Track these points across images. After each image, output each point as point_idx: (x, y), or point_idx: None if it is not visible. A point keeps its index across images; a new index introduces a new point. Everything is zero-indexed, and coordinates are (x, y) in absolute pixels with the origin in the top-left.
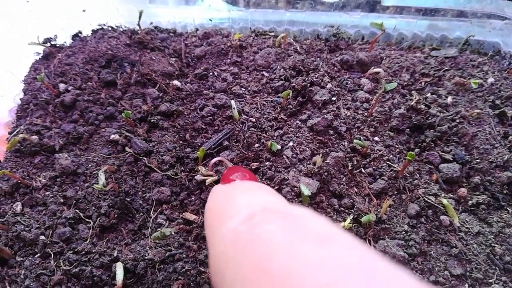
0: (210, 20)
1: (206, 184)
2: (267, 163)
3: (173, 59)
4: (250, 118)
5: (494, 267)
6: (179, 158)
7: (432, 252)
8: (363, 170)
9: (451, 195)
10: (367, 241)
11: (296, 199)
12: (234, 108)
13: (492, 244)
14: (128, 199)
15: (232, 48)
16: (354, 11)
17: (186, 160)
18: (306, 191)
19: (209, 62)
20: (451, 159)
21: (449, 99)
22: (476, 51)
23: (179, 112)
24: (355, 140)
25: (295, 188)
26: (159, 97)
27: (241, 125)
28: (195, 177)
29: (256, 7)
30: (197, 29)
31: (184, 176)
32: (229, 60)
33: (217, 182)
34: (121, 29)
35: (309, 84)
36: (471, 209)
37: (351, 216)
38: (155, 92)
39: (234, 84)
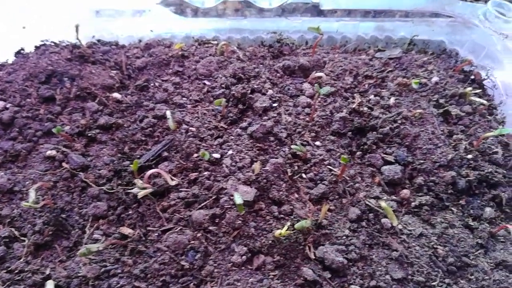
0: (151, 31)
1: (139, 197)
2: (205, 173)
3: (114, 71)
4: (190, 128)
5: (436, 269)
6: (116, 171)
7: (373, 256)
8: (304, 176)
9: (394, 197)
10: (307, 248)
11: (234, 208)
12: (169, 118)
13: (435, 246)
14: (63, 216)
15: (174, 58)
16: (295, 16)
17: (124, 174)
18: (238, 200)
19: (150, 73)
20: (393, 160)
21: (392, 100)
22: (422, 50)
23: (118, 125)
24: (292, 146)
25: (233, 197)
26: (98, 111)
27: (180, 135)
28: (132, 190)
29: (205, 16)
30: (140, 41)
31: (121, 190)
32: (170, 70)
33: (153, 194)
34: (64, 44)
35: (249, 91)
36: (414, 210)
37: (289, 223)
38: (95, 105)
39: (175, 94)
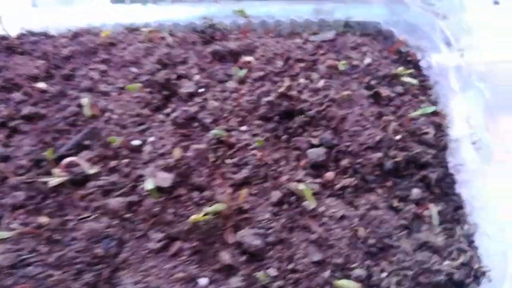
0: (85, 19)
1: (51, 185)
2: (124, 161)
3: (41, 61)
4: (112, 116)
5: (357, 251)
6: (36, 162)
7: (293, 239)
8: (227, 161)
9: (318, 180)
10: (227, 233)
11: (156, 198)
12: (84, 106)
13: (356, 228)
14: None
15: (101, 46)
16: (228, 0)
17: (43, 164)
18: (149, 185)
19: (77, 62)
20: (318, 143)
21: (321, 83)
22: (358, 32)
23: (41, 115)
24: (212, 131)
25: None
26: (22, 101)
27: (102, 124)
28: (48, 180)
29: (134, 2)
30: (69, 30)
31: (40, 179)
32: (98, 58)
33: (72, 183)
34: None
35: (175, 77)
36: (338, 193)
37: (207, 209)
38: (19, 96)
39: (101, 82)
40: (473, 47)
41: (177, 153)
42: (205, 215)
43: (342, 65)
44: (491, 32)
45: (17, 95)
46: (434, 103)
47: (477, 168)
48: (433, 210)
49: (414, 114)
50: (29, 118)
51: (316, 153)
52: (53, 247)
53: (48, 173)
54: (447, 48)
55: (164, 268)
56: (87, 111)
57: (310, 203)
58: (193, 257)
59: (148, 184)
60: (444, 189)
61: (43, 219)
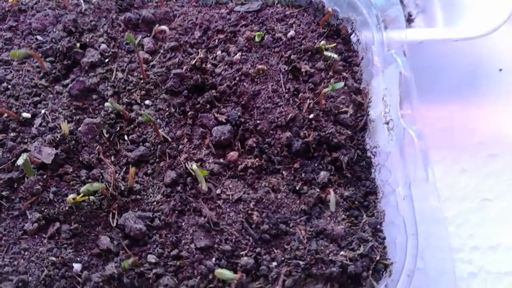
0: None
1: None
2: (12, 134)
3: None
4: (8, 86)
5: (248, 237)
6: None
7: (182, 224)
8: (126, 137)
9: (221, 160)
10: (111, 215)
11: (36, 172)
12: None
13: (250, 212)
14: None
15: (10, 13)
16: None
17: None
18: (20, 161)
19: None
20: (224, 121)
21: (237, 56)
22: (290, 4)
23: None
24: (106, 104)
25: (35, 160)
26: None
27: None
28: None
29: None
30: None
31: None
32: (5, 25)
33: None
34: None
35: (79, 46)
36: (240, 174)
37: (83, 188)
38: None
39: (3, 50)
40: (401, 24)
41: (65, 126)
42: (82, 196)
43: (257, 37)
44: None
45: None
46: (357, 80)
47: (390, 150)
48: (332, 194)
49: (325, 90)
50: None
51: (221, 131)
52: None
53: None
54: (377, 23)
55: (38, 251)
56: None
57: (201, 184)
58: (71, 240)
59: (20, 160)
60: (357, 172)
61: None
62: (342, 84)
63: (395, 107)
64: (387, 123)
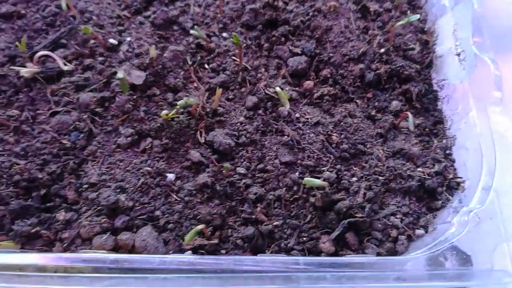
0: None
1: (23, 75)
2: (100, 58)
3: None
4: (92, 16)
5: (328, 155)
6: (11, 57)
7: (265, 142)
8: (206, 66)
9: (297, 89)
10: (199, 133)
11: (126, 92)
12: (63, 1)
13: (330, 133)
14: None
15: None
16: None
17: (18, 59)
18: (120, 75)
19: None
20: (300, 52)
21: None
22: None
23: (20, 14)
24: (191, 31)
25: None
26: (2, 1)
27: (81, 24)
28: (21, 72)
29: None
30: None
31: (13, 74)
32: None
33: (45, 79)
34: None
35: None
36: (316, 101)
37: (179, 102)
38: None
39: None
40: None
41: (153, 51)
42: (176, 112)
43: None
44: None
45: None
46: (422, 21)
47: (459, 83)
48: (410, 116)
49: (399, 23)
50: (7, 17)
51: (297, 61)
52: (20, 138)
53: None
54: None
55: (132, 162)
56: (64, 6)
57: (284, 105)
58: (162, 154)
59: (119, 74)
60: (425, 104)
61: (13, 112)
62: (417, 16)
63: (467, 38)
64: (458, 54)
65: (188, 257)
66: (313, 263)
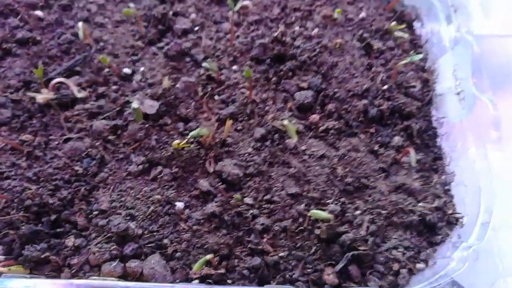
0: None
1: (39, 101)
2: (114, 87)
3: None
4: (106, 45)
5: (333, 188)
6: (26, 82)
7: (272, 174)
8: (216, 97)
9: (303, 122)
10: (208, 162)
11: (137, 120)
12: (79, 29)
13: (335, 166)
14: None
15: None
16: None
17: (33, 85)
18: (135, 105)
19: None
20: (307, 87)
21: (315, 31)
22: None
23: (35, 40)
24: (203, 64)
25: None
26: (18, 27)
27: (95, 52)
28: (36, 98)
29: None
30: None
31: (27, 99)
32: None
33: (59, 105)
34: None
35: (171, 14)
36: (321, 135)
37: (191, 133)
38: (15, 21)
39: (98, 14)
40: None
41: (166, 82)
42: (187, 142)
43: (337, 13)
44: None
45: (13, 20)
46: (423, 59)
47: (459, 121)
48: (412, 152)
49: (402, 62)
50: (23, 43)
51: (304, 95)
52: (33, 163)
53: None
54: (445, 17)
55: (142, 190)
56: (81, 35)
57: (292, 138)
58: (172, 182)
59: (135, 104)
60: (425, 140)
61: (26, 137)
62: (420, 56)
63: (466, 78)
64: (458, 93)
65: (197, 286)
66: None
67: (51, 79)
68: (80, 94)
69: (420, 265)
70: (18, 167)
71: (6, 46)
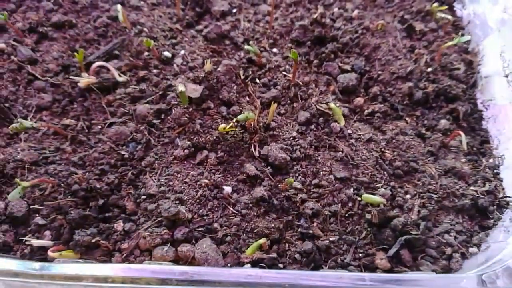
0: None
1: (82, 85)
2: (154, 71)
3: None
4: (144, 29)
5: (382, 172)
6: (65, 66)
7: (319, 158)
8: (257, 81)
9: (348, 105)
10: (253, 146)
11: (181, 105)
12: (119, 12)
13: (383, 150)
14: (6, 105)
15: None
16: None
17: (73, 69)
18: (181, 87)
19: None
20: (350, 69)
21: (355, 13)
22: None
23: (71, 24)
24: (246, 46)
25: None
26: (53, 10)
27: (133, 35)
28: (78, 83)
29: None
30: None
31: (67, 83)
32: None
33: (100, 89)
34: None
35: None
36: (367, 118)
37: (236, 120)
38: (49, 5)
39: None
40: None
41: (209, 65)
42: (232, 126)
43: None
44: None
45: (47, 4)
46: (467, 41)
47: (507, 103)
48: (463, 135)
49: (447, 44)
50: (59, 26)
51: (348, 78)
52: (77, 148)
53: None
54: None
55: (190, 175)
56: (120, 17)
57: (339, 121)
58: (218, 166)
59: (180, 86)
60: (471, 124)
61: (70, 121)
62: (468, 38)
63: None
64: (507, 76)
65: (255, 270)
66: (379, 279)
67: (90, 63)
68: (121, 78)
69: (473, 249)
70: (62, 152)
71: (42, 29)
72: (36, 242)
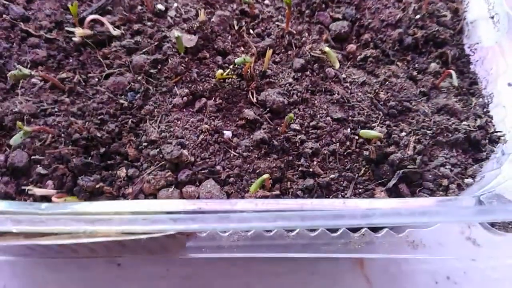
0: None
1: (77, 36)
2: (149, 23)
3: None
4: None
5: (377, 112)
6: (58, 23)
7: (315, 101)
8: (251, 31)
9: (341, 52)
10: (250, 93)
11: (177, 55)
12: None
13: (377, 91)
14: (1, 61)
15: None
16: None
17: (66, 25)
18: (177, 33)
19: None
20: (341, 17)
21: None
22: None
23: None
24: None
25: (176, 45)
26: None
27: None
28: (73, 38)
29: None
30: None
31: (62, 38)
32: None
33: (94, 43)
34: None
35: None
36: (360, 63)
37: (234, 64)
38: None
39: None
40: None
41: (202, 15)
42: (230, 71)
43: None
44: None
45: None
46: None
47: (493, 44)
48: (453, 73)
49: None
50: None
51: (340, 25)
52: (75, 99)
53: (70, 33)
54: None
55: (189, 121)
56: None
57: (334, 64)
58: (217, 113)
59: (176, 32)
60: (459, 67)
61: (66, 74)
62: None
63: (500, 1)
64: (492, 17)
65: (273, 199)
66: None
67: (84, 18)
68: (116, 32)
69: (468, 180)
70: (61, 103)
71: None
72: (38, 191)
